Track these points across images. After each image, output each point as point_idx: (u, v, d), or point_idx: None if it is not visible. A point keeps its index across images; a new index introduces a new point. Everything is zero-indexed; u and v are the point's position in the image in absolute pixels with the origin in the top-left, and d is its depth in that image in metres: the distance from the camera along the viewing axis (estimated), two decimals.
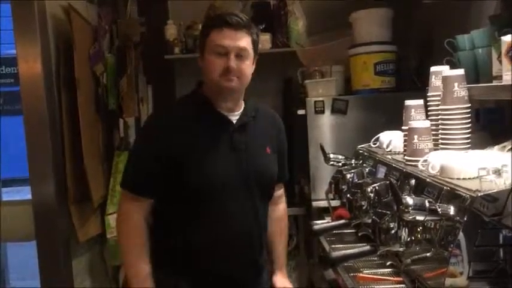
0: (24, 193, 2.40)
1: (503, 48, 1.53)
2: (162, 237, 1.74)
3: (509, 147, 1.55)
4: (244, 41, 1.69)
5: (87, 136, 2.56)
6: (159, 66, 3.46)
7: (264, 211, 1.81)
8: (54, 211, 2.35)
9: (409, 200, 1.30)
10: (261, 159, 1.81)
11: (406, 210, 1.29)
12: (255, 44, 1.74)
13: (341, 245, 2.04)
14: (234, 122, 1.76)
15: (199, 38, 1.79)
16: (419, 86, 2.75)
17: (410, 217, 1.30)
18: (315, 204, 2.90)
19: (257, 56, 1.78)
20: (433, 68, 1.87)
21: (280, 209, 1.99)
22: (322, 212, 2.77)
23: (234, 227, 1.71)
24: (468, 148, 1.68)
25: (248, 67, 1.72)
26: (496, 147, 1.62)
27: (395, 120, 2.06)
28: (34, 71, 2.34)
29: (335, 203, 2.28)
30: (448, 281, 1.31)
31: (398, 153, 2.01)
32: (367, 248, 1.48)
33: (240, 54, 1.68)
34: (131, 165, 1.78)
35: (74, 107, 2.50)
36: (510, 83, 1.48)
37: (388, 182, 1.49)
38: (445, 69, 1.79)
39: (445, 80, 1.72)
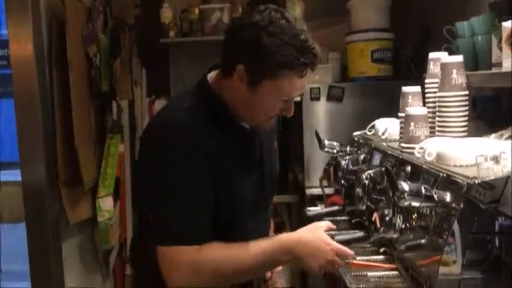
0: (17, 176, 2.36)
1: (504, 35, 1.51)
2: None
3: (507, 135, 1.53)
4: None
5: (79, 118, 2.52)
6: (153, 50, 3.42)
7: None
8: (44, 193, 2.31)
9: (405, 186, 1.28)
10: (274, 160, 1.60)
11: (402, 196, 1.27)
12: None
13: (334, 232, 2.02)
14: (249, 130, 1.46)
15: (255, 64, 1.29)
16: (416, 75, 2.73)
17: (406, 203, 1.29)
18: (308, 191, 2.89)
19: None
20: (431, 55, 1.85)
21: None
22: (316, 200, 2.75)
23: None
24: (465, 136, 1.66)
25: None
26: (493, 135, 1.60)
27: (391, 108, 2.04)
28: (26, 52, 2.29)
29: (329, 190, 2.26)
30: (442, 269, 1.29)
31: (394, 141, 2.00)
32: (361, 234, 1.46)
33: None
34: (176, 208, 1.32)
35: (66, 88, 2.46)
36: (510, 70, 1.46)
37: (383, 168, 1.47)
38: (443, 56, 1.77)
39: (444, 66, 1.69)
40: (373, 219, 1.41)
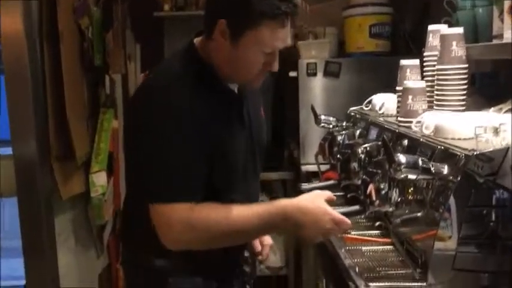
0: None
1: (506, 6, 1.47)
2: None
3: (506, 108, 1.50)
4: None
5: (70, 92, 2.47)
6: (147, 24, 3.36)
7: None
8: (36, 167, 2.28)
9: (402, 158, 1.26)
10: (262, 126, 1.60)
11: (398, 168, 1.25)
12: None
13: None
14: (237, 94, 1.48)
15: (237, 16, 1.30)
16: (414, 51, 2.69)
17: (402, 175, 1.26)
18: (304, 168, 2.87)
19: None
20: (431, 27, 1.81)
21: None
22: (312, 177, 2.73)
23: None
24: (463, 110, 1.64)
25: None
26: (492, 109, 1.57)
27: (388, 84, 2.01)
28: (15, 26, 2.23)
29: (325, 167, 2.24)
30: (437, 244, 1.28)
31: (391, 116, 1.97)
32: (356, 207, 1.44)
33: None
34: (167, 165, 1.31)
35: (57, 62, 2.40)
36: (511, 41, 1.42)
37: (380, 140, 1.44)
38: (443, 28, 1.73)
39: (443, 38, 1.66)
40: (368, 192, 1.38)
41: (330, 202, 1.36)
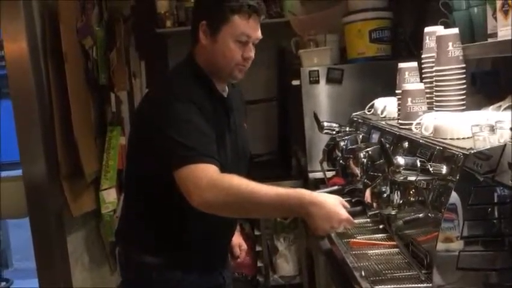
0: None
1: (498, 4, 1.48)
2: (152, 217, 1.65)
3: (505, 106, 1.50)
4: (260, 29, 1.61)
5: (77, 111, 2.51)
6: (150, 40, 3.40)
7: None
8: (46, 186, 2.32)
9: (400, 160, 1.26)
10: (245, 136, 1.79)
11: (397, 170, 1.25)
12: None
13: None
14: (226, 101, 1.69)
15: (213, 16, 1.56)
16: (415, 53, 2.69)
17: (402, 177, 1.27)
18: (311, 175, 2.87)
19: None
20: (427, 29, 1.82)
21: None
22: (319, 183, 2.73)
23: None
24: (463, 109, 1.64)
25: None
26: (491, 107, 1.58)
27: (391, 88, 2.01)
28: (20, 50, 2.29)
29: (331, 174, 2.24)
30: (444, 245, 1.28)
31: (392, 119, 1.98)
32: (358, 208, 1.45)
33: (255, 43, 1.61)
34: (183, 133, 1.47)
35: (62, 82, 2.45)
36: (505, 38, 1.43)
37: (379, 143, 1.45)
38: (439, 29, 1.74)
39: (439, 39, 1.67)
40: (365, 195, 1.40)
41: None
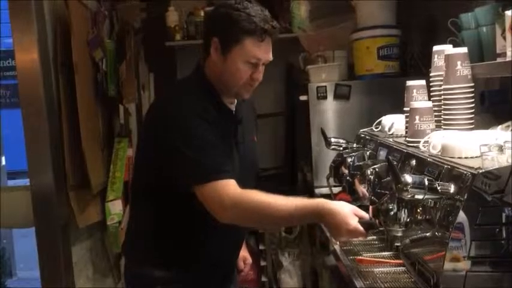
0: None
1: (507, 23, 1.48)
2: (156, 229, 1.66)
3: None
4: (271, 51, 1.61)
5: (85, 122, 2.52)
6: (160, 53, 3.43)
7: None
8: (53, 197, 2.32)
9: (408, 178, 1.26)
10: (254, 150, 1.80)
11: (405, 188, 1.25)
12: None
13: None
14: (234, 114, 1.70)
15: (225, 34, 1.56)
16: (423, 71, 2.70)
17: (409, 195, 1.26)
18: (317, 191, 2.87)
19: None
20: (435, 47, 1.83)
21: None
22: (325, 199, 2.72)
23: None
24: (471, 128, 1.64)
25: None
26: (500, 126, 1.57)
27: (399, 105, 2.01)
28: (31, 60, 2.30)
29: (337, 189, 2.24)
30: (451, 265, 1.27)
31: (400, 136, 1.97)
32: (370, 220, 1.46)
33: (265, 64, 1.62)
34: (198, 151, 1.50)
35: (72, 93, 2.47)
36: None
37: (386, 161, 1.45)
38: (447, 48, 1.74)
39: (448, 58, 1.67)
40: (370, 212, 1.41)
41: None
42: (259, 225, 1.57)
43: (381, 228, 1.44)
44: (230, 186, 1.48)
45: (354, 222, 1.42)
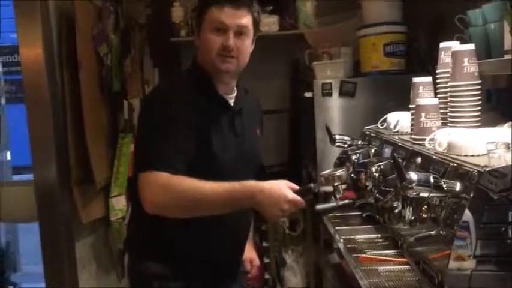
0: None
1: None
2: (157, 224, 1.63)
3: None
4: (245, 19, 1.62)
5: (90, 117, 2.52)
6: (165, 49, 3.42)
7: None
8: (57, 192, 2.32)
9: (413, 176, 1.25)
10: (255, 143, 1.80)
11: (410, 186, 1.24)
12: (255, 23, 1.67)
13: (346, 227, 2.00)
14: (232, 105, 1.71)
15: (196, 14, 1.71)
16: (429, 68, 2.67)
17: (414, 193, 1.25)
18: (321, 188, 2.85)
19: (255, 37, 1.70)
20: (442, 44, 1.81)
21: None
22: (329, 196, 2.71)
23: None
24: (478, 126, 1.62)
25: (247, 47, 1.65)
26: (507, 124, 1.56)
27: (404, 102, 1.99)
28: (35, 55, 2.30)
29: (342, 186, 2.22)
30: (456, 264, 1.25)
31: (405, 134, 1.96)
32: (305, 187, 1.54)
33: (240, 32, 1.61)
34: (155, 140, 1.53)
35: (76, 88, 2.47)
36: None
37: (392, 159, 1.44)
38: (454, 45, 1.73)
39: (455, 55, 1.66)
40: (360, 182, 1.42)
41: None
42: (189, 212, 1.51)
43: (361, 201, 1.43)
44: (163, 176, 1.46)
45: (291, 193, 1.45)
